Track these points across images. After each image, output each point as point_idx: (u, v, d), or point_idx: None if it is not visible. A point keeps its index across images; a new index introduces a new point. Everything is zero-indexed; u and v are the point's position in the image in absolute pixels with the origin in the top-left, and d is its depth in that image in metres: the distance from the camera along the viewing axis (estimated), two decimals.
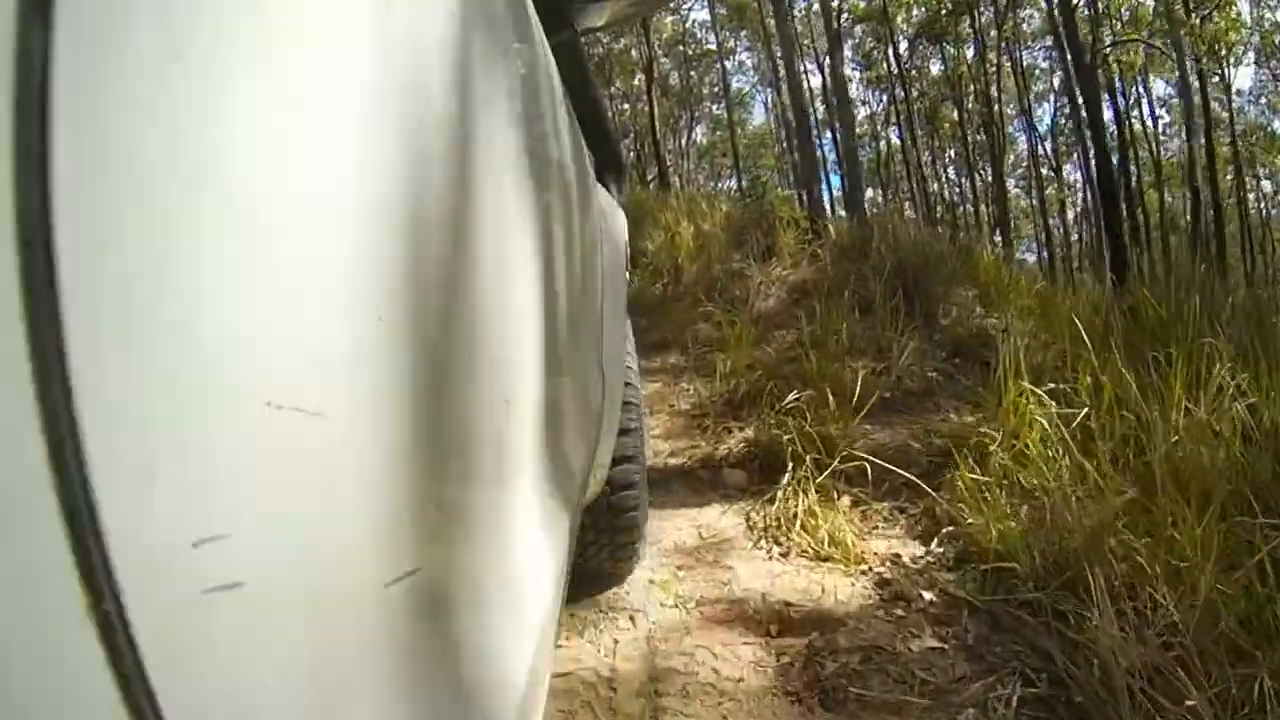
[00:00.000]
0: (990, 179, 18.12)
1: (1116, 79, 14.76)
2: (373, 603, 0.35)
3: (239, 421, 0.26)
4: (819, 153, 7.19)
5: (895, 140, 19.53)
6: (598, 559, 1.70)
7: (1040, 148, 18.20)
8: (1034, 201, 19.38)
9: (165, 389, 0.23)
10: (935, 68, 17.59)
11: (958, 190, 20.73)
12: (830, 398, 2.40)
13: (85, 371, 0.19)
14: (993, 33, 15.23)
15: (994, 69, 15.70)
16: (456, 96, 0.48)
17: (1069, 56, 9.74)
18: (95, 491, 0.20)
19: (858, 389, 2.46)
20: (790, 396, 2.44)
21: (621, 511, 1.60)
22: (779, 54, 15.35)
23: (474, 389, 0.50)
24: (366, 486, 0.35)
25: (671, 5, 15.55)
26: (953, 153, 19.90)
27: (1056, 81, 17.34)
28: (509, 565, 0.57)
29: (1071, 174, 19.46)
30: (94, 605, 0.20)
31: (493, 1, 0.61)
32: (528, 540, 0.63)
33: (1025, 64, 16.64)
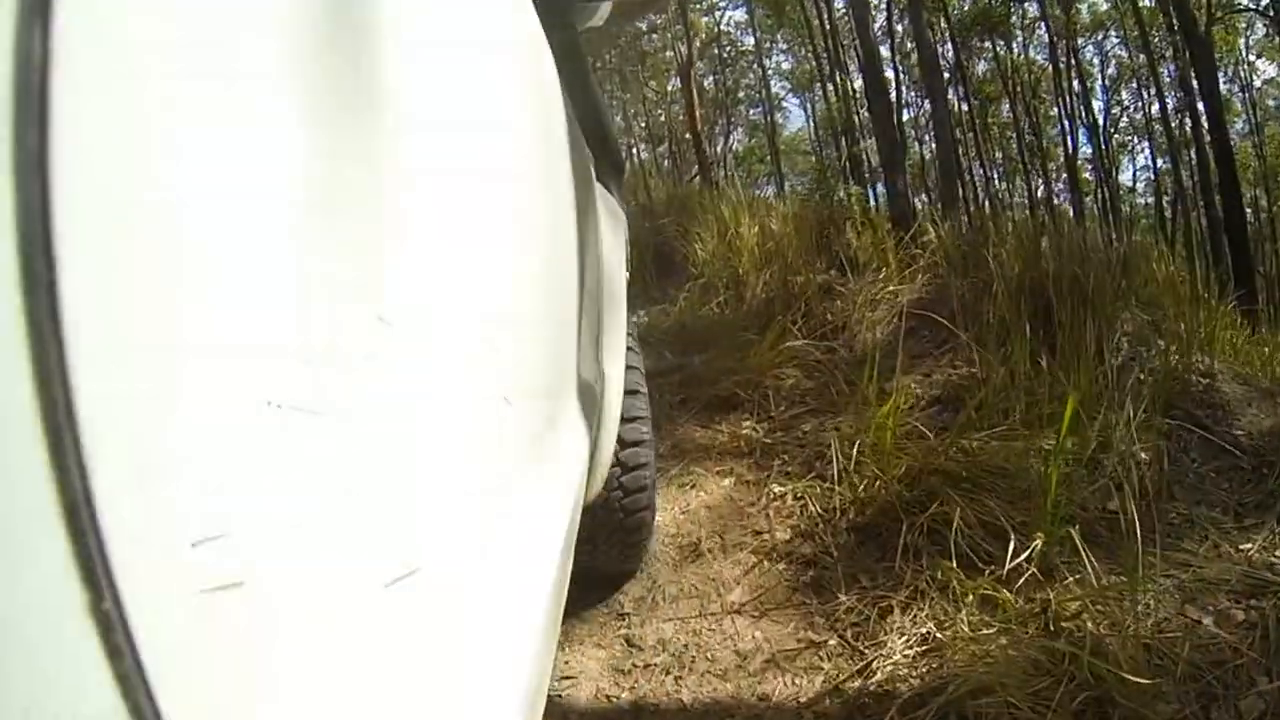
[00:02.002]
0: (1041, 183, 17.13)
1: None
2: (373, 603, 0.34)
3: (239, 421, 0.26)
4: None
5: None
6: (607, 557, 1.56)
7: (1090, 147, 17.05)
8: (1097, 205, 18.21)
9: (165, 388, 0.23)
10: (981, 66, 16.62)
11: (1007, 193, 19.65)
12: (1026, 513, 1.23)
13: (85, 371, 0.19)
14: (1040, 31, 14.23)
15: (1064, 56, 14.67)
16: (454, 95, 0.48)
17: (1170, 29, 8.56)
18: (95, 491, 0.19)
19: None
20: (1008, 551, 1.25)
21: (631, 512, 1.48)
22: (823, 51, 14.49)
23: (473, 388, 0.49)
24: (366, 486, 0.34)
25: (697, 6, 14.96)
26: (1001, 155, 18.89)
27: (1106, 77, 16.43)
28: (509, 566, 0.55)
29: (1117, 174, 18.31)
30: (94, 605, 0.19)
31: (492, 1, 0.60)
32: (528, 541, 0.60)
33: (1079, 59, 15.62)
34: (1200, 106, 7.96)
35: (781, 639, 1.38)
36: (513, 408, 0.57)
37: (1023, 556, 1.32)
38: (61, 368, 0.19)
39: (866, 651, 1.29)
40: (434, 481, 0.42)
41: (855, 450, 1.75)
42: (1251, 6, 11.99)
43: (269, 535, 0.27)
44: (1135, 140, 17.64)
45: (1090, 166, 17.62)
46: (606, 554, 1.57)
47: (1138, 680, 1.11)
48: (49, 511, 0.19)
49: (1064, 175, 18.39)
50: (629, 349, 1.51)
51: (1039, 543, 1.33)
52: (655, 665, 1.36)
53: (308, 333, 0.30)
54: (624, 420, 1.42)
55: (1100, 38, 15.85)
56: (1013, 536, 1.35)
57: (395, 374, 0.37)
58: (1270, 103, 15.81)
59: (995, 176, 19.38)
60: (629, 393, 1.44)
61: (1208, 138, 7.89)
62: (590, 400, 1.03)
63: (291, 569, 0.28)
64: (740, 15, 17.13)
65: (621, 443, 1.44)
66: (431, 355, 0.42)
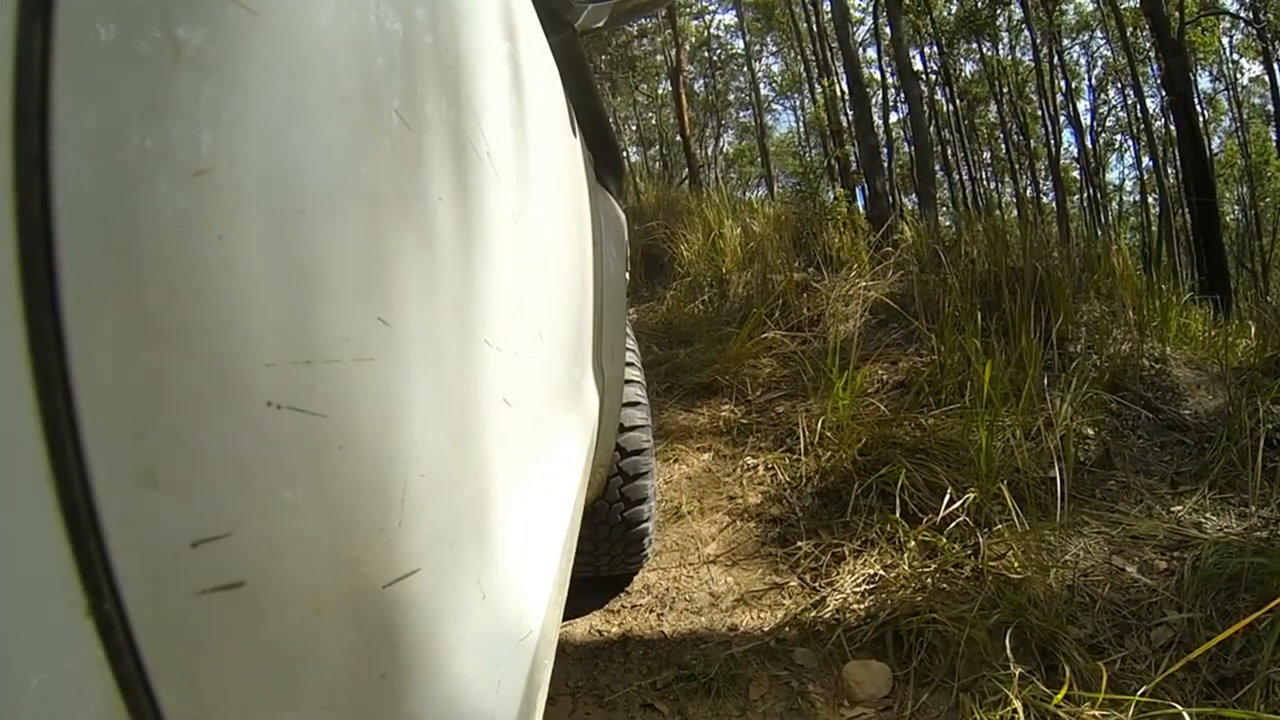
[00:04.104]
0: (1028, 182, 17.30)
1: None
2: (372, 603, 0.34)
3: (239, 421, 0.26)
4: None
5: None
6: (609, 562, 1.56)
7: (1077, 147, 17.24)
8: (1082, 204, 18.35)
9: (165, 389, 0.22)
10: (969, 67, 16.80)
11: (997, 192, 19.75)
12: (969, 478, 1.42)
13: (85, 371, 0.19)
14: (1025, 32, 14.37)
15: (1045, 56, 14.81)
16: (455, 96, 0.47)
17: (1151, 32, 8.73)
18: (95, 491, 0.19)
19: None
20: (944, 499, 1.45)
21: (631, 506, 1.46)
22: (810, 54, 14.65)
23: (473, 389, 0.49)
24: (366, 486, 0.34)
25: (687, 10, 14.99)
26: (990, 155, 19.02)
27: (1092, 77, 16.64)
28: (508, 567, 0.55)
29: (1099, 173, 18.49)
30: (94, 605, 0.19)
31: (493, 2, 0.60)
32: (527, 542, 0.60)
33: (1064, 60, 15.77)
34: (1178, 108, 8.14)
35: (750, 582, 1.61)
36: (512, 408, 0.57)
37: (956, 505, 1.52)
38: (61, 368, 0.19)
39: (822, 590, 1.50)
40: (432, 482, 0.42)
41: (820, 426, 1.97)
42: (1229, 10, 12.21)
43: (269, 535, 0.27)
44: (1122, 139, 17.85)
45: (1078, 166, 17.82)
46: (610, 558, 1.54)
47: (1052, 606, 1.30)
48: (49, 512, 0.19)
49: (1048, 180, 18.56)
50: (629, 364, 1.51)
51: (972, 495, 1.53)
52: (641, 605, 1.58)
53: (308, 333, 0.30)
54: (624, 429, 1.42)
55: (1086, 38, 16.03)
56: (951, 492, 1.55)
57: (394, 374, 0.37)
58: (1256, 100, 15.98)
59: (985, 175, 19.55)
60: (629, 404, 1.44)
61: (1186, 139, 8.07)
62: (589, 398, 1.04)
63: (291, 569, 0.28)
64: (730, 19, 17.28)
65: (622, 451, 1.44)
66: (430, 356, 0.42)
